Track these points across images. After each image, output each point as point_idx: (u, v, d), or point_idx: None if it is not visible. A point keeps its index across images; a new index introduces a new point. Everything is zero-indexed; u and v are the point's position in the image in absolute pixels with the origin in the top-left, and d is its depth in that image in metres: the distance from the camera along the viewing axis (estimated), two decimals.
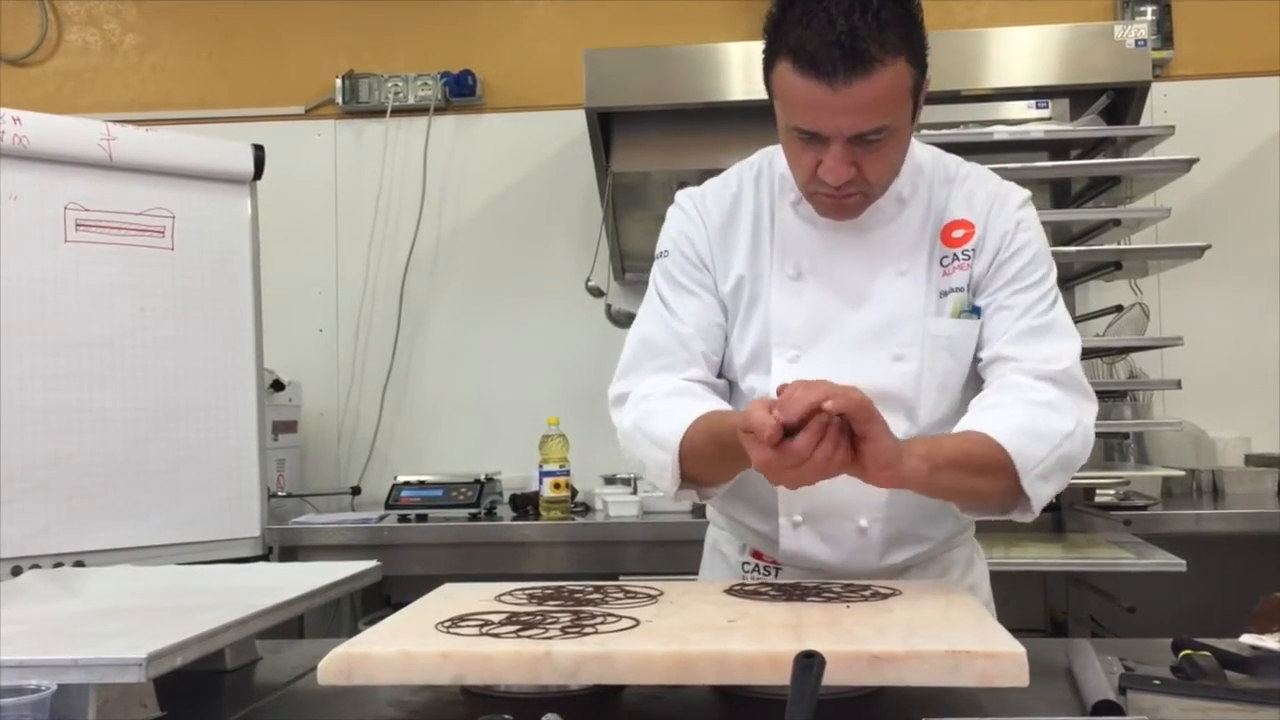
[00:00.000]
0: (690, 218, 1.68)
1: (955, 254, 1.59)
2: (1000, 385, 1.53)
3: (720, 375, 1.66)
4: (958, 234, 1.60)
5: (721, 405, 1.57)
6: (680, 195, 1.72)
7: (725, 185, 1.69)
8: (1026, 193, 1.66)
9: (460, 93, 3.93)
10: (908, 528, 1.60)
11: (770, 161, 1.67)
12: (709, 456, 1.48)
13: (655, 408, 1.56)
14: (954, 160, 1.68)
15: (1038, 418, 1.47)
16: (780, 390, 1.33)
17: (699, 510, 2.30)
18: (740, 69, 3.27)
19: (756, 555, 1.69)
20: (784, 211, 1.64)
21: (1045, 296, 1.59)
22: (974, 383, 1.61)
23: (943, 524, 1.62)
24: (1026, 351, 1.54)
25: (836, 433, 1.30)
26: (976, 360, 1.59)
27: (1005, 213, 1.61)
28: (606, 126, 3.43)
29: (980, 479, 1.44)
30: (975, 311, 1.58)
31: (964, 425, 1.49)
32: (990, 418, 1.47)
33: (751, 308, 1.63)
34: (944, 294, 1.59)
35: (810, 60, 1.39)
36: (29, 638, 1.25)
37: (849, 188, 1.49)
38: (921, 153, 1.65)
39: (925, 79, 1.50)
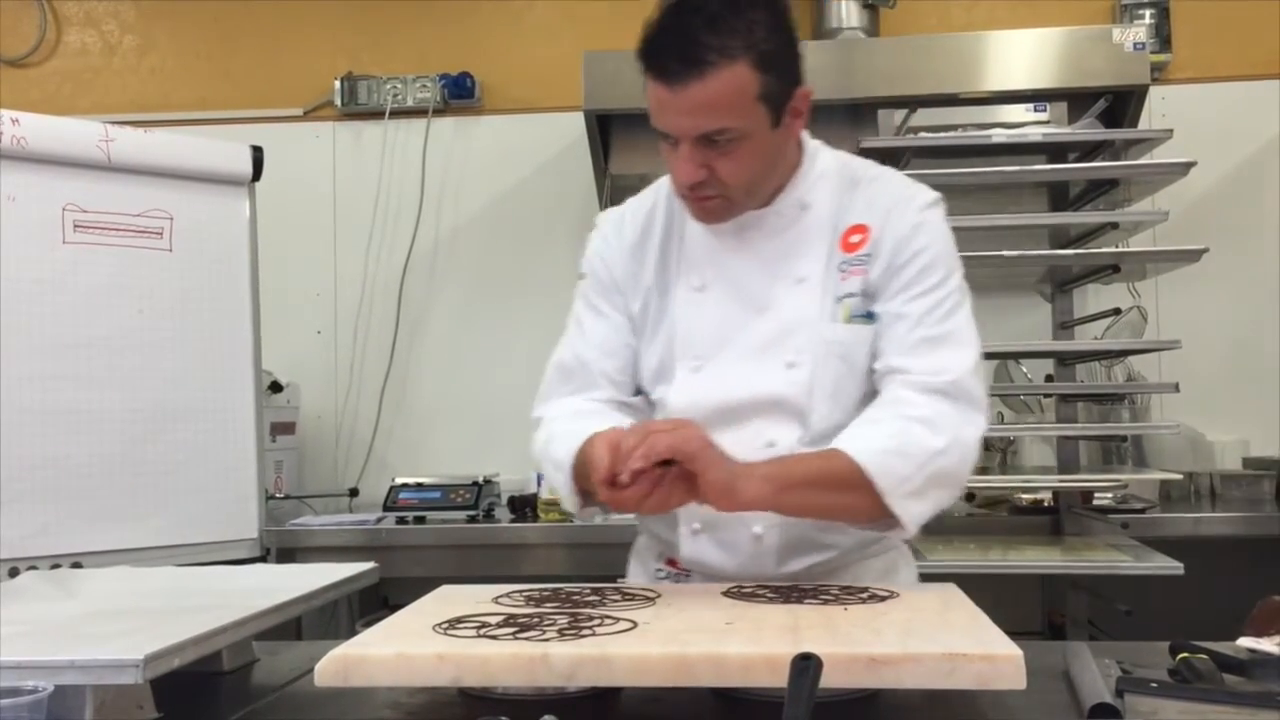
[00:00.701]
0: (606, 239, 1.72)
1: (851, 259, 1.60)
2: (882, 400, 1.55)
3: (639, 390, 1.70)
4: (855, 239, 1.61)
5: (623, 422, 1.59)
6: (600, 216, 1.77)
7: (642, 203, 1.73)
8: (935, 195, 1.65)
9: (459, 94, 3.93)
10: (806, 534, 1.59)
11: None
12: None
13: (556, 430, 1.63)
14: (864, 165, 1.69)
15: (907, 436, 1.48)
16: (615, 443, 1.41)
17: None
18: None
19: (670, 563, 1.71)
20: (691, 225, 1.66)
21: (942, 303, 1.57)
22: (872, 393, 1.59)
23: (847, 532, 1.61)
24: (917, 363, 1.54)
25: (669, 479, 1.40)
26: (872, 371, 1.59)
27: (906, 215, 1.60)
28: (605, 129, 3.43)
29: (838, 496, 1.48)
30: (868, 316, 1.59)
31: (834, 442, 1.50)
32: (857, 435, 1.50)
33: (659, 320, 1.66)
34: (840, 299, 1.60)
35: (655, 63, 1.47)
36: (26, 639, 1.25)
37: (704, 189, 1.53)
38: (828, 159, 1.67)
39: (795, 87, 1.52)
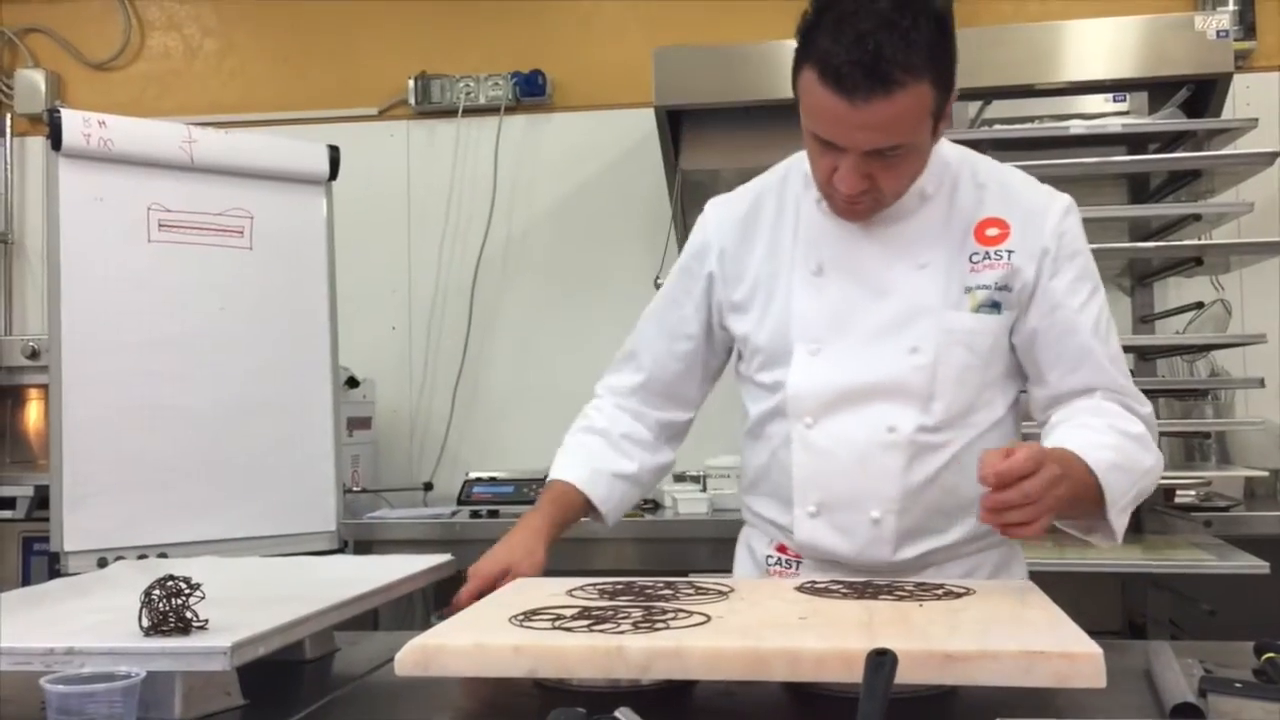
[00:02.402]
0: (707, 234, 1.76)
1: (988, 252, 1.60)
2: (1096, 407, 1.57)
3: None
4: (992, 232, 1.61)
5: (627, 450, 1.83)
6: (709, 204, 1.79)
7: (749, 191, 1.76)
8: (1068, 199, 1.66)
9: (530, 92, 3.96)
10: (923, 521, 1.60)
11: (801, 162, 1.70)
12: None
13: (568, 441, 1.92)
14: (986, 161, 1.69)
15: (1128, 453, 1.51)
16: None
17: None
18: None
19: (781, 549, 1.71)
20: (808, 208, 1.67)
21: (1101, 315, 1.62)
22: (1000, 379, 1.63)
23: (960, 521, 1.62)
24: (1114, 385, 1.59)
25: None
26: (1030, 376, 1.63)
27: (1049, 220, 1.61)
28: (675, 124, 3.43)
29: (1079, 505, 1.49)
30: (995, 307, 1.59)
31: (1058, 441, 1.50)
32: (1090, 443, 1.49)
33: (769, 304, 1.68)
34: (969, 289, 1.60)
35: (834, 74, 1.41)
36: (118, 626, 1.29)
37: (860, 196, 1.53)
38: (949, 150, 1.66)
39: (950, 97, 1.51)
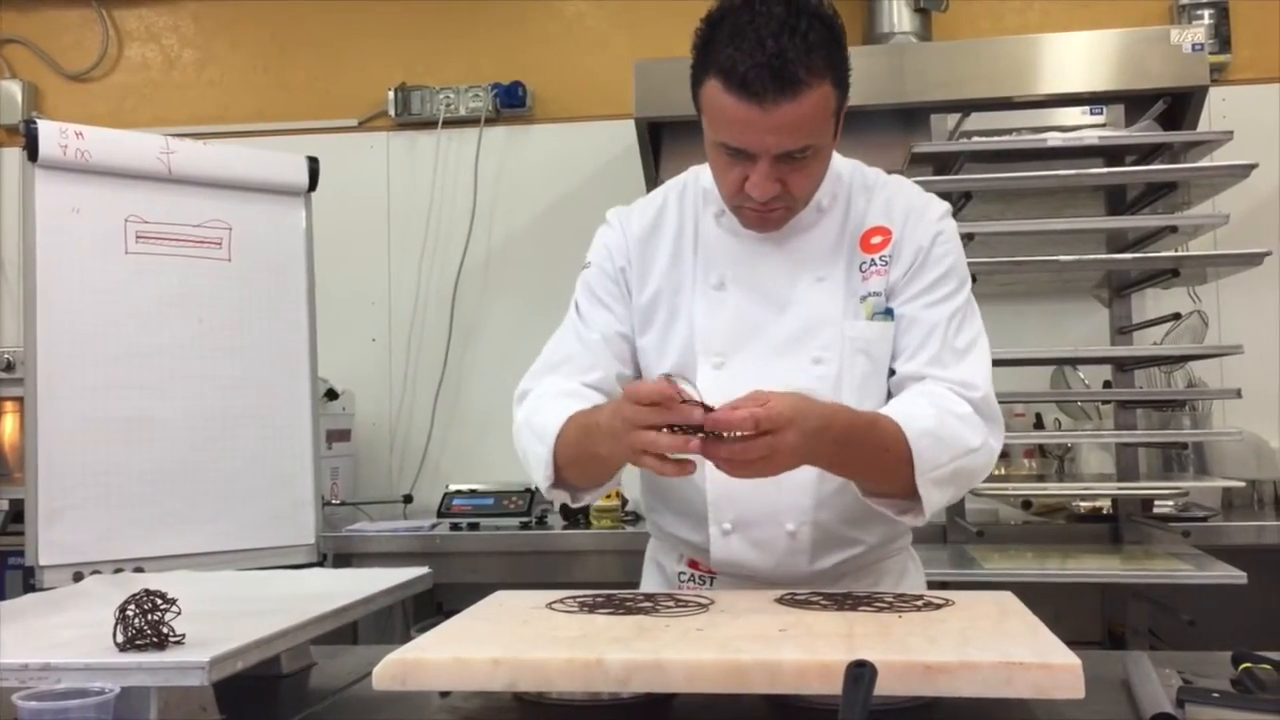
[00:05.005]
0: (614, 233, 1.76)
1: (873, 259, 1.64)
2: (922, 389, 1.57)
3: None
4: (875, 240, 1.65)
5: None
6: (610, 212, 1.81)
7: (651, 202, 1.76)
8: (946, 205, 1.70)
9: (511, 104, 3.96)
10: (836, 530, 1.61)
11: (696, 178, 1.73)
12: (577, 447, 1.52)
13: (543, 405, 1.63)
14: (874, 172, 1.72)
15: (948, 425, 1.51)
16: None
17: None
18: None
19: (693, 565, 1.71)
20: (706, 224, 1.69)
21: (958, 313, 1.62)
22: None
23: (872, 527, 1.63)
24: (947, 374, 1.58)
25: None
26: (891, 372, 1.63)
27: (924, 223, 1.65)
28: (656, 137, 3.44)
29: (875, 468, 1.49)
30: (889, 314, 1.62)
31: (884, 410, 1.54)
32: (905, 412, 1.51)
33: (672, 319, 1.68)
34: (862, 298, 1.63)
35: (741, 81, 1.44)
36: (92, 641, 1.28)
37: (774, 202, 1.55)
38: (841, 164, 1.70)
39: (846, 99, 1.55)
